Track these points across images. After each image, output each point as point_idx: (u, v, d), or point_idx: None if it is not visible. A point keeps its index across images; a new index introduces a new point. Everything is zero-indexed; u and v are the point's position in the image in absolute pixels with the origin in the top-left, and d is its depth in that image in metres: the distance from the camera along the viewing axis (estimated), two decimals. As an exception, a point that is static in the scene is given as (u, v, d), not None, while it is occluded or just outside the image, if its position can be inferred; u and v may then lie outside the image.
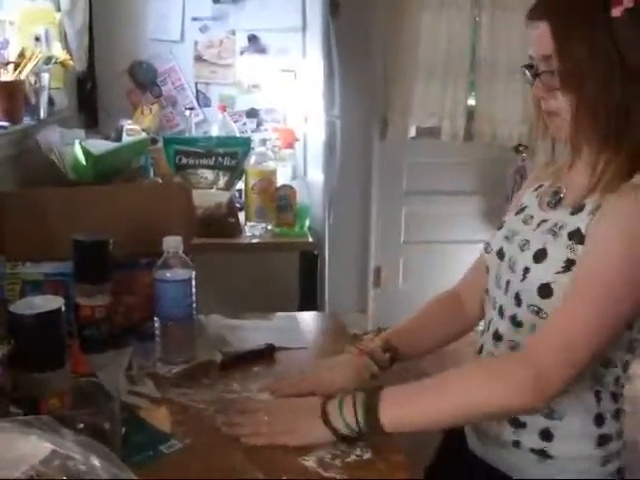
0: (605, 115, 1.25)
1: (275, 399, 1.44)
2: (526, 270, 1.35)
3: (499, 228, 1.51)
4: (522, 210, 1.48)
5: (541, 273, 1.32)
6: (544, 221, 1.38)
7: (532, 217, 1.43)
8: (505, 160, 4.64)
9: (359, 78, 4.18)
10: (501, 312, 1.43)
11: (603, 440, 1.36)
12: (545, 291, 1.31)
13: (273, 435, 1.28)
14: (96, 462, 0.92)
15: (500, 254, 1.45)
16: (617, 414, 1.38)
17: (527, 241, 1.38)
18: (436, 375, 1.32)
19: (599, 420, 1.35)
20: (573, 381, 1.25)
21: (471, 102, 4.49)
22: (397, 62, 4.36)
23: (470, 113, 4.48)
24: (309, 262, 2.92)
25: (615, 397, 1.37)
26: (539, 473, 1.37)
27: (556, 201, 1.41)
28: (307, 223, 2.91)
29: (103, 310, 1.56)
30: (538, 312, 1.33)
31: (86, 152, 2.43)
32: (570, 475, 1.35)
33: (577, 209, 1.32)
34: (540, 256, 1.33)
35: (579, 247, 1.27)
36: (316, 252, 2.90)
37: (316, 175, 3.35)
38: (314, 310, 2.84)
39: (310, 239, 2.83)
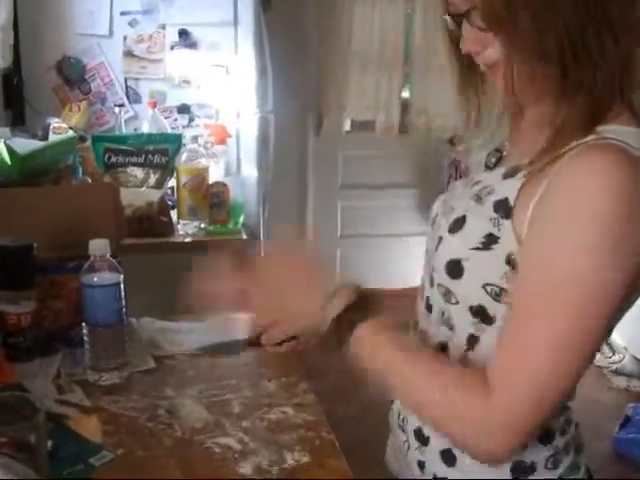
0: (556, 51, 0.94)
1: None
2: (439, 240, 1.11)
3: None
4: None
5: (453, 246, 1.08)
6: (477, 183, 1.12)
7: (472, 178, 1.17)
8: (440, 153, 4.69)
9: (292, 73, 4.15)
10: (421, 292, 1.20)
11: (522, 469, 1.10)
12: (454, 269, 1.06)
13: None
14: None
15: (433, 220, 1.21)
16: (548, 435, 1.11)
17: (452, 208, 1.14)
18: (424, 355, 1.08)
19: None
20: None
21: (406, 95, 4.51)
22: (330, 56, 4.36)
23: (405, 106, 4.50)
24: (244, 260, 2.88)
25: None
26: None
27: (496, 160, 1.15)
28: (241, 220, 2.87)
29: (29, 317, 1.51)
30: (446, 294, 1.10)
31: (11, 151, 2.34)
32: None
33: (511, 172, 1.05)
34: (457, 225, 1.08)
35: (505, 222, 1.01)
36: (250, 249, 2.86)
37: (250, 171, 3.31)
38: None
39: (244, 236, 2.79)
